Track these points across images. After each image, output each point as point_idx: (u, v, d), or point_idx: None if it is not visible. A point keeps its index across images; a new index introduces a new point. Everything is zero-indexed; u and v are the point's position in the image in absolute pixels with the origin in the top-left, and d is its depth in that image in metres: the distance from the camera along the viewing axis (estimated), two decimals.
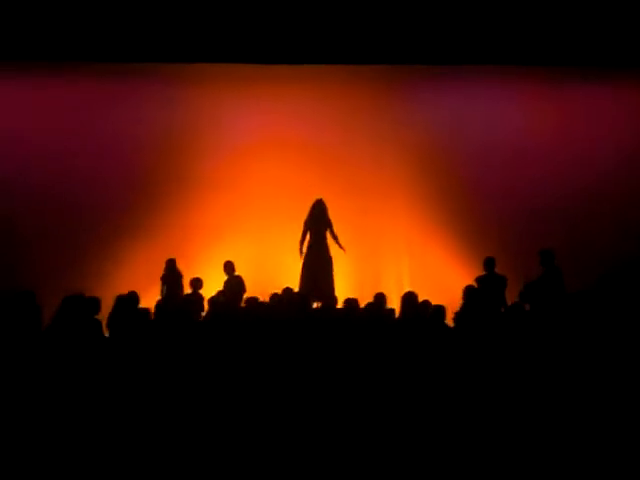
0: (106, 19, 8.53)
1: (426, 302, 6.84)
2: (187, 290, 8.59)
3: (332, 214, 8.99)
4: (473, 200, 9.99)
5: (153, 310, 7.04)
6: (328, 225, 8.91)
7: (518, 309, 6.94)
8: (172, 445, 5.23)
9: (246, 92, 10.02)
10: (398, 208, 10.08)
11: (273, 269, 9.48)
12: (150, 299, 7.73)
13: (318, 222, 8.91)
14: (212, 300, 7.44)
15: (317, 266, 8.73)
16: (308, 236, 8.94)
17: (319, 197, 9.02)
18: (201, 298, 8.08)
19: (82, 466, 5.06)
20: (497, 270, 8.35)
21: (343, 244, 8.92)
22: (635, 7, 8.68)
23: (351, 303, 6.72)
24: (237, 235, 9.79)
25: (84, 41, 8.77)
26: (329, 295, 8.06)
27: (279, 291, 7.62)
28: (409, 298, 6.62)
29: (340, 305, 7.10)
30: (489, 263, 8.34)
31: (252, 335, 6.01)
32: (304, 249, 8.97)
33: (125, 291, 7.23)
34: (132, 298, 6.97)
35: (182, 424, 5.37)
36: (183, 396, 5.55)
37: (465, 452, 5.21)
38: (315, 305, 8.21)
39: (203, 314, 7.56)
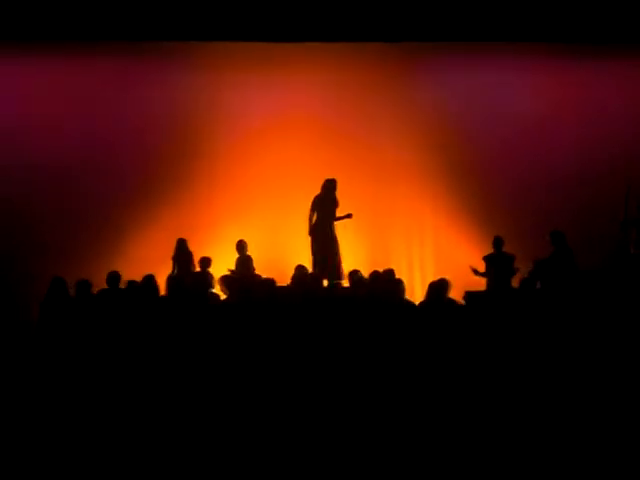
0: None
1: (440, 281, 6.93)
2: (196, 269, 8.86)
3: (344, 193, 9.10)
4: (485, 179, 10.13)
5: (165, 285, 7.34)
6: (334, 205, 9.05)
7: (529, 285, 7.12)
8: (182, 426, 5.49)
9: (259, 71, 10.12)
10: (409, 187, 10.22)
11: (284, 249, 9.67)
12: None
13: (327, 202, 9.05)
14: (223, 279, 7.71)
15: (325, 245, 8.92)
16: (315, 214, 9.09)
17: (330, 177, 9.11)
18: (211, 276, 8.35)
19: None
20: (508, 248, 8.52)
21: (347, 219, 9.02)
22: None
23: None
24: (249, 215, 9.95)
25: (94, 20, 8.91)
26: (337, 273, 8.28)
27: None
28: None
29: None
30: (497, 242, 8.53)
31: (267, 315, 6.24)
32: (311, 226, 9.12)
33: (136, 272, 7.49)
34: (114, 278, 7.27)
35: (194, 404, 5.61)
36: (195, 376, 5.79)
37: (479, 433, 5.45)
38: (325, 283, 8.46)
39: (213, 291, 7.86)
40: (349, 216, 8.99)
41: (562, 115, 10.19)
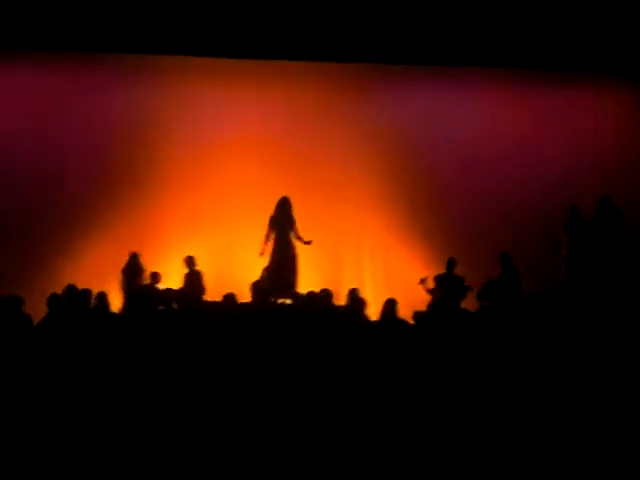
0: (70, 5, 8.74)
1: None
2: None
3: (297, 211, 9.28)
4: (438, 200, 10.39)
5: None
6: (292, 223, 9.21)
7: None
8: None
9: (216, 88, 10.27)
10: (363, 206, 10.40)
11: (234, 266, 9.74)
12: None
13: (283, 220, 9.21)
14: (173, 293, 7.78)
15: (282, 262, 9.06)
16: (273, 233, 9.22)
17: (284, 195, 9.29)
18: (161, 291, 8.40)
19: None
20: (458, 271, 8.80)
21: (306, 239, 9.19)
22: (605, 14, 9.24)
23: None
24: (202, 231, 10.00)
25: (46, 29, 8.97)
26: (291, 291, 8.45)
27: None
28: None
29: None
30: (449, 263, 8.81)
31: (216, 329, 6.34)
32: (268, 246, 9.23)
33: (84, 285, 7.51)
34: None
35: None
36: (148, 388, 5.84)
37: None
38: (280, 301, 8.60)
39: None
40: (309, 243, 9.16)
41: (518, 142, 10.52)
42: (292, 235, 9.22)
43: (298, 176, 10.11)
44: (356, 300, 7.62)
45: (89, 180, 9.96)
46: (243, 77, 10.24)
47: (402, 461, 5.45)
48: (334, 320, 6.65)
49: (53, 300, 6.97)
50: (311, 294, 7.69)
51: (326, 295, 7.20)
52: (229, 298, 6.98)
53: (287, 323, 6.52)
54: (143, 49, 9.47)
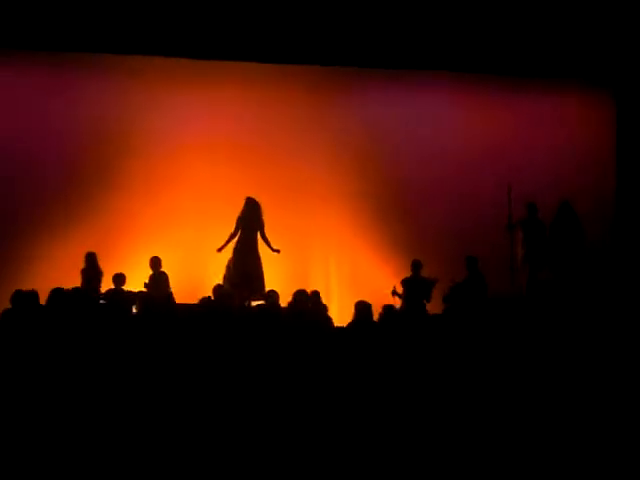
0: (34, 3, 8.66)
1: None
2: (109, 285, 8.83)
3: (265, 212, 9.30)
4: (406, 203, 10.55)
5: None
6: (260, 225, 9.21)
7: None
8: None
9: (186, 88, 10.27)
10: (329, 209, 10.51)
11: (200, 268, 9.73)
12: None
13: (250, 220, 9.20)
14: (141, 296, 7.74)
15: (249, 264, 9.05)
16: (238, 233, 9.23)
17: (252, 196, 9.30)
18: (128, 293, 8.34)
19: None
20: (425, 274, 8.92)
21: (274, 246, 9.20)
22: (575, 23, 9.47)
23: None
24: (165, 233, 9.99)
25: (15, 28, 8.90)
26: (261, 292, 8.49)
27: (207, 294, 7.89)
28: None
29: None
30: (414, 266, 8.92)
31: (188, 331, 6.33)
32: (230, 245, 9.22)
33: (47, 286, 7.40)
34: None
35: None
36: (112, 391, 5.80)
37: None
38: (247, 303, 8.61)
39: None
40: (277, 251, 9.17)
41: (493, 146, 10.72)
42: (259, 238, 9.22)
43: (267, 177, 10.17)
44: (317, 304, 7.67)
45: (59, 180, 9.92)
46: (213, 78, 10.28)
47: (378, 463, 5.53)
48: (306, 323, 6.68)
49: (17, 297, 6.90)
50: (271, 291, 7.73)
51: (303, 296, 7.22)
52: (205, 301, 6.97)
53: (258, 325, 6.53)
54: (111, 49, 9.48)
